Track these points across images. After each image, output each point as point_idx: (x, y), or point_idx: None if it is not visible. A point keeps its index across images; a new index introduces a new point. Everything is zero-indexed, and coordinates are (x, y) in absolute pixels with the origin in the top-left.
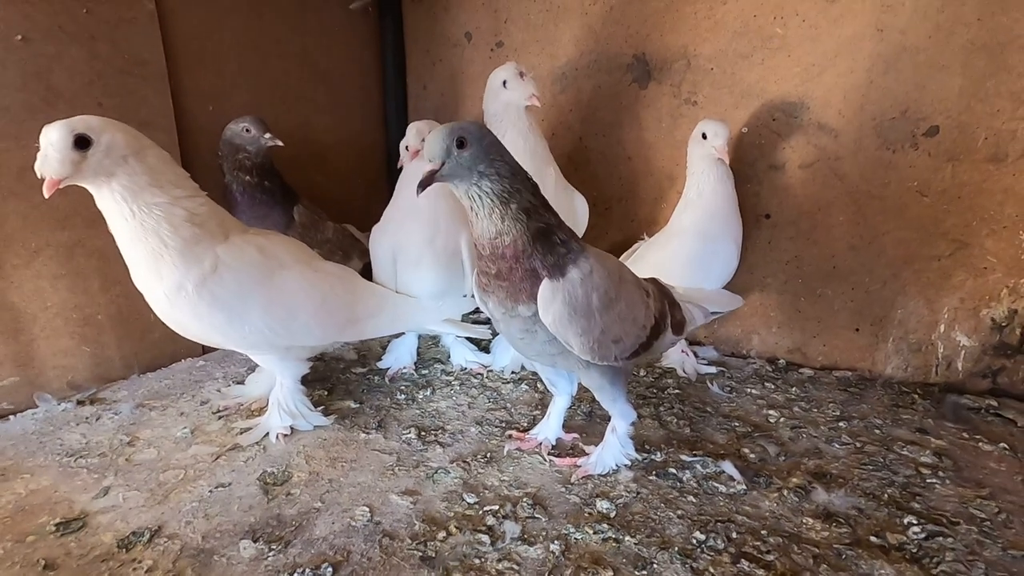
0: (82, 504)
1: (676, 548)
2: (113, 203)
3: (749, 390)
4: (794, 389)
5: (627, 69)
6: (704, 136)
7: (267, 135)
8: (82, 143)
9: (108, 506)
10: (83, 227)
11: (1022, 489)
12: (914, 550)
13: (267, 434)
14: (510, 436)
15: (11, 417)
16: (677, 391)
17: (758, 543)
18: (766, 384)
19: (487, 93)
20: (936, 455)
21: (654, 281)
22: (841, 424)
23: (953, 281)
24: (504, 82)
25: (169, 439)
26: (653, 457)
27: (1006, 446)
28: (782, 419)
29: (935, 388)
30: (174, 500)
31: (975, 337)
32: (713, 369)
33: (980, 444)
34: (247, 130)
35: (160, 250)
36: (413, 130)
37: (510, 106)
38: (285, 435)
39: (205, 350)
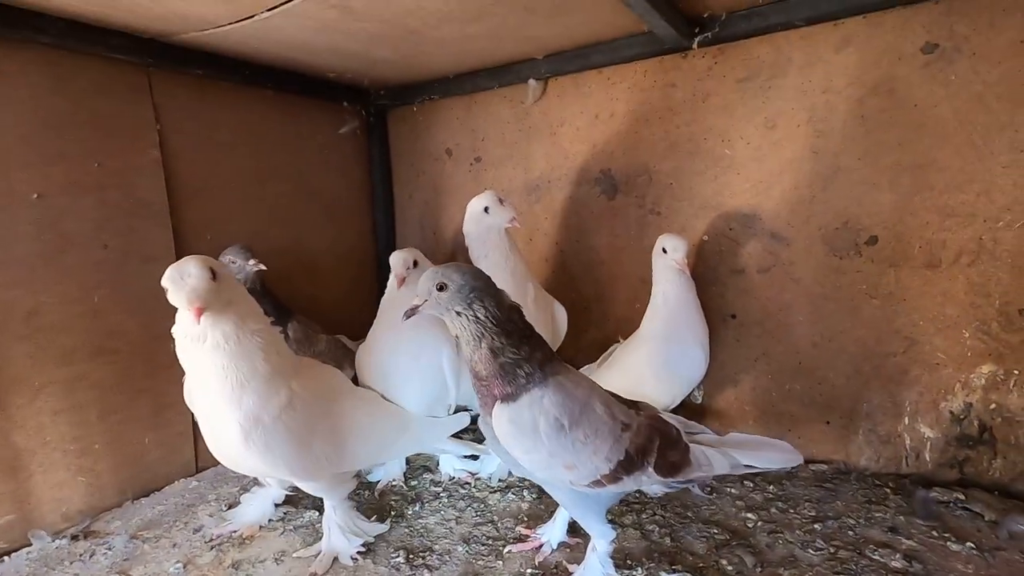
0: None
1: None
2: (227, 327)
3: (729, 490)
4: (771, 487)
5: (595, 182)
6: (664, 250)
7: (251, 261)
8: (213, 275)
9: None
10: (84, 362)
11: None
12: None
13: (336, 558)
14: (509, 552)
15: (5, 558)
16: (660, 496)
17: None
18: (745, 482)
19: (468, 218)
20: (906, 559)
21: (654, 418)
22: (816, 526)
23: (910, 376)
24: (486, 208)
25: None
26: (634, 573)
27: (973, 545)
28: (759, 523)
29: (907, 480)
30: None
31: (937, 429)
32: None
33: (948, 544)
34: (232, 262)
35: (247, 378)
36: (397, 259)
37: (492, 229)
38: (361, 552)
39: (198, 470)
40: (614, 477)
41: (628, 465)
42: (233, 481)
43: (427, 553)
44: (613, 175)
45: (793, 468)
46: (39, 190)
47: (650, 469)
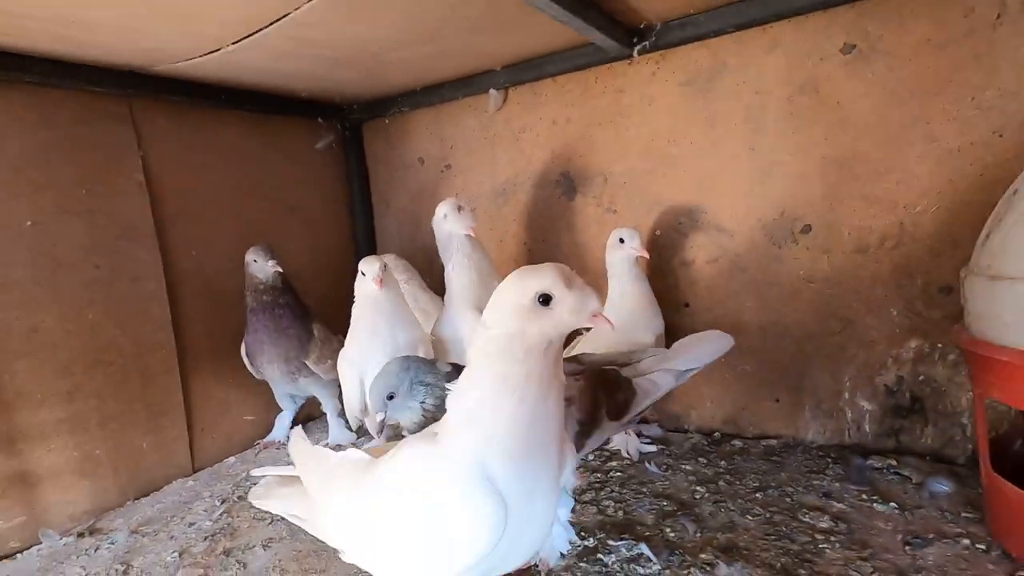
0: None
1: None
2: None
3: (684, 466)
4: (723, 462)
5: (556, 184)
6: (621, 240)
7: (271, 262)
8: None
9: None
10: (82, 374)
11: (899, 547)
12: None
13: None
14: None
15: (18, 555)
16: (619, 473)
17: None
18: (700, 459)
19: (434, 222)
20: (834, 520)
21: (591, 373)
22: (758, 495)
23: (848, 353)
24: (445, 215)
25: (160, 564)
26: (586, 543)
27: (896, 505)
28: (707, 494)
29: (848, 450)
30: None
31: (874, 401)
32: (654, 448)
33: (875, 505)
34: (255, 260)
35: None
36: (365, 264)
37: (453, 235)
38: None
39: (194, 471)
40: (578, 446)
41: (585, 430)
42: (227, 479)
43: None
44: (572, 177)
45: (744, 442)
46: (32, 217)
47: (605, 421)
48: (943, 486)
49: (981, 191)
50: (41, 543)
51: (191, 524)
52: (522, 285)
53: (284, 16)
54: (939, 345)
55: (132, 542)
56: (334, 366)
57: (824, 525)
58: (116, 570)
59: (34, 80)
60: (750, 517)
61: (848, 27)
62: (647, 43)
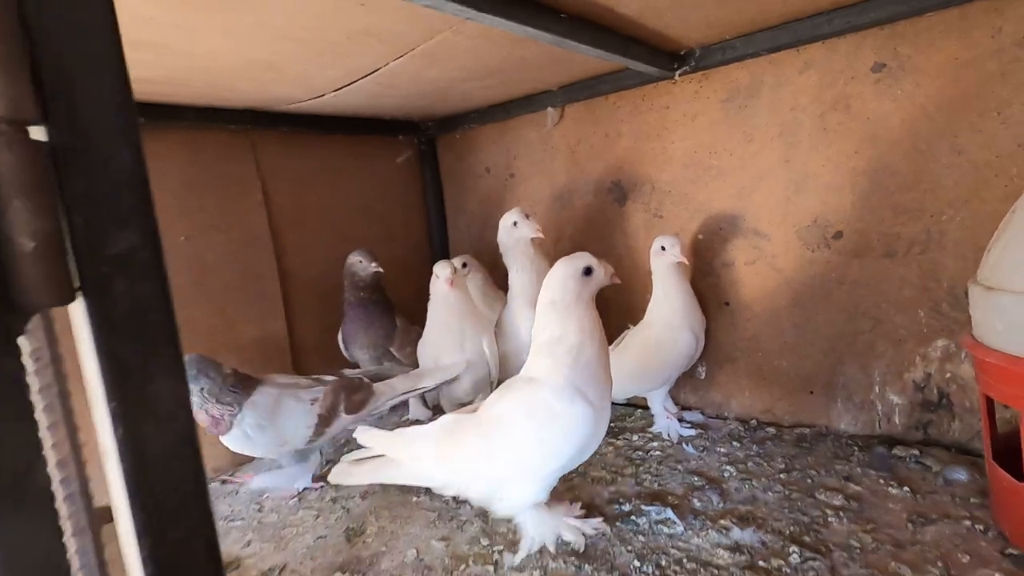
0: (235, 553)
1: (618, 572)
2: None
3: (719, 449)
4: (755, 447)
5: (608, 192)
6: (663, 248)
7: (373, 263)
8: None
9: (251, 553)
10: (221, 358)
11: (903, 524)
12: (788, 570)
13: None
14: None
15: None
16: (659, 453)
17: (678, 567)
18: (734, 443)
19: (501, 230)
20: (847, 499)
21: (340, 381)
22: (782, 476)
23: (877, 351)
24: (515, 223)
25: (284, 505)
26: (623, 508)
27: (909, 489)
28: (735, 473)
29: (877, 441)
30: (291, 548)
31: (904, 396)
32: (693, 432)
33: (890, 489)
34: (360, 260)
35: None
36: (439, 268)
37: (520, 240)
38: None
39: None
40: (319, 432)
41: (324, 421)
42: (327, 443)
43: None
44: (623, 185)
45: (778, 430)
46: (186, 233)
47: (343, 415)
48: (959, 475)
49: (1005, 201)
50: None
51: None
52: (573, 264)
53: (375, 71)
54: None
55: (260, 489)
56: (412, 352)
57: (837, 503)
58: (253, 508)
59: (185, 125)
60: (771, 493)
61: (878, 47)
62: (687, 67)
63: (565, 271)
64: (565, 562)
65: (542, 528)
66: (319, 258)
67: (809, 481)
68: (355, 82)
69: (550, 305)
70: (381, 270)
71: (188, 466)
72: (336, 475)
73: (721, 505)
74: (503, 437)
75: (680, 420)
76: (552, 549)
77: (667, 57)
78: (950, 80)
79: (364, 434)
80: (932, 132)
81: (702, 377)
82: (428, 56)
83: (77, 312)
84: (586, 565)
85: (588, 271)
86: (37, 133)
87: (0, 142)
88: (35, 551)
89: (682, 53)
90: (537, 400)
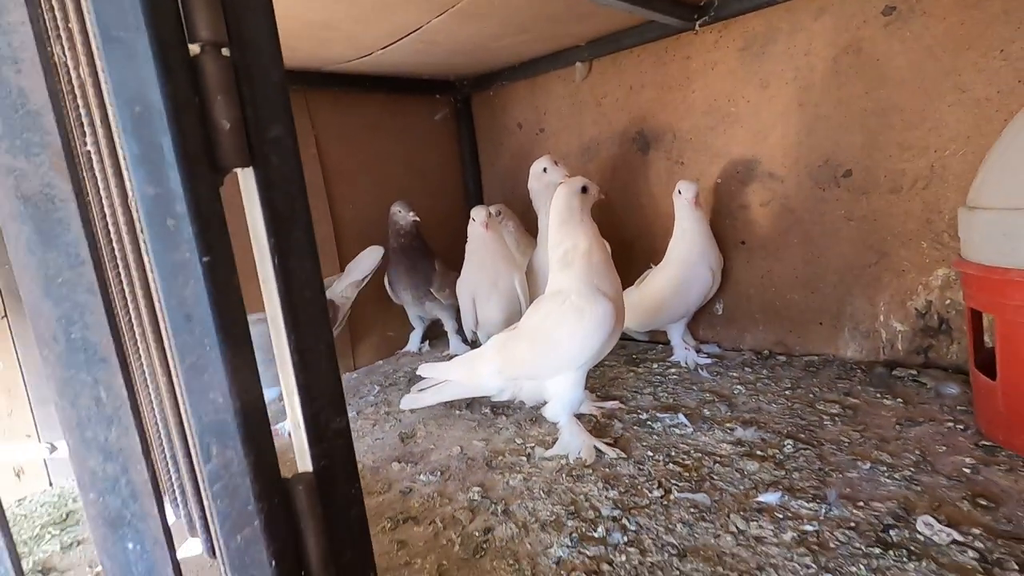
0: None
1: (633, 459)
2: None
3: (732, 374)
4: (766, 372)
5: (632, 142)
6: (679, 192)
7: (410, 213)
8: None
9: None
10: None
11: (891, 426)
12: (780, 458)
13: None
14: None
15: None
16: (676, 376)
17: (685, 456)
18: (746, 369)
19: (531, 177)
20: (843, 408)
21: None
22: (787, 392)
23: (883, 282)
24: (544, 169)
25: None
26: (640, 416)
27: (902, 400)
28: (744, 391)
29: (880, 365)
30: (357, 446)
31: (906, 323)
32: (709, 360)
33: (884, 400)
34: (399, 211)
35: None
36: (476, 212)
37: (550, 185)
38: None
39: (355, 368)
40: None
41: None
42: (379, 374)
43: (506, 408)
44: (646, 135)
45: (789, 358)
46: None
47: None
48: (951, 389)
49: None
50: None
51: (361, 397)
52: (572, 185)
53: (418, 28)
54: None
55: None
56: (451, 294)
57: (834, 411)
58: None
59: None
60: (775, 405)
61: None
62: (707, 17)
63: (568, 191)
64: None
65: (575, 440)
66: (366, 207)
67: (811, 396)
68: (399, 40)
69: (561, 223)
70: (418, 219)
71: (317, 285)
72: (407, 402)
73: (729, 413)
74: (544, 339)
75: (697, 351)
76: (572, 459)
77: (688, 8)
78: (956, 21)
79: (427, 367)
80: (938, 72)
81: (719, 313)
82: (465, 14)
83: (248, 176)
84: (605, 456)
85: (584, 189)
86: (225, 52)
87: (209, 56)
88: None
89: (702, 4)
90: (566, 305)
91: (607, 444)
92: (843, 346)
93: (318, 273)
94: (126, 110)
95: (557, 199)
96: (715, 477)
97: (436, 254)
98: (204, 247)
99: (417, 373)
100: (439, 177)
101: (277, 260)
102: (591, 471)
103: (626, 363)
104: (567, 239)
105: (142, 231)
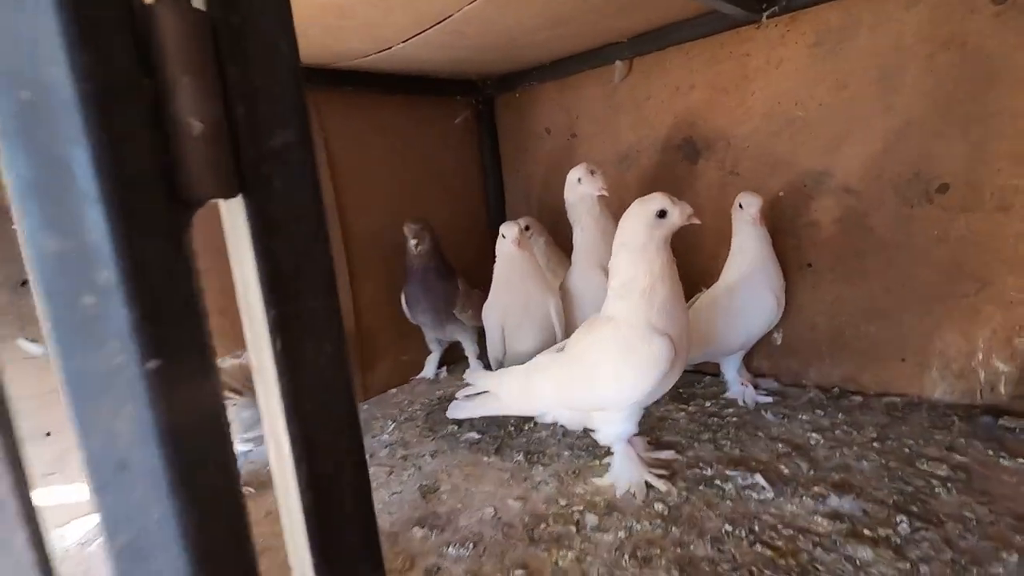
0: None
1: (709, 536)
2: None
3: (800, 416)
4: (841, 415)
5: (678, 149)
6: (740, 206)
7: (414, 240)
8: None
9: None
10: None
11: (1022, 496)
12: (897, 541)
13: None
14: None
15: None
16: (736, 419)
17: (773, 534)
18: (817, 411)
19: (567, 187)
20: (953, 469)
21: None
22: (875, 444)
23: (983, 314)
24: (579, 179)
25: None
26: (704, 472)
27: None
28: (822, 440)
29: (978, 411)
30: None
31: (1012, 363)
32: (770, 399)
33: (1001, 460)
34: (407, 235)
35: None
36: (506, 228)
37: (585, 197)
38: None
39: (366, 398)
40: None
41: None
42: (393, 405)
43: (540, 455)
44: (694, 141)
45: (865, 398)
46: None
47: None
48: None
49: None
50: None
51: (374, 436)
52: (644, 208)
53: (447, 17)
54: None
55: None
56: (475, 315)
57: (942, 473)
58: None
59: None
60: (866, 462)
61: None
62: (776, 7)
63: (636, 214)
64: (651, 523)
65: (626, 472)
66: (380, 217)
67: (906, 451)
68: (424, 31)
69: (621, 247)
70: (415, 251)
71: (342, 384)
72: (452, 410)
73: (812, 472)
74: (586, 372)
75: (755, 387)
76: (619, 493)
77: None
78: None
79: (472, 374)
80: None
81: (778, 343)
82: (500, 2)
83: (235, 209)
84: (673, 527)
85: (662, 214)
86: (198, 3)
87: (168, 6)
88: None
89: None
90: (616, 337)
91: (660, 476)
92: (930, 387)
93: (345, 367)
94: (5, 100)
95: (624, 220)
96: (819, 567)
97: (457, 271)
98: (151, 343)
99: (463, 378)
100: (459, 186)
101: (280, 344)
102: (659, 552)
103: (673, 399)
104: (625, 269)
105: (43, 315)
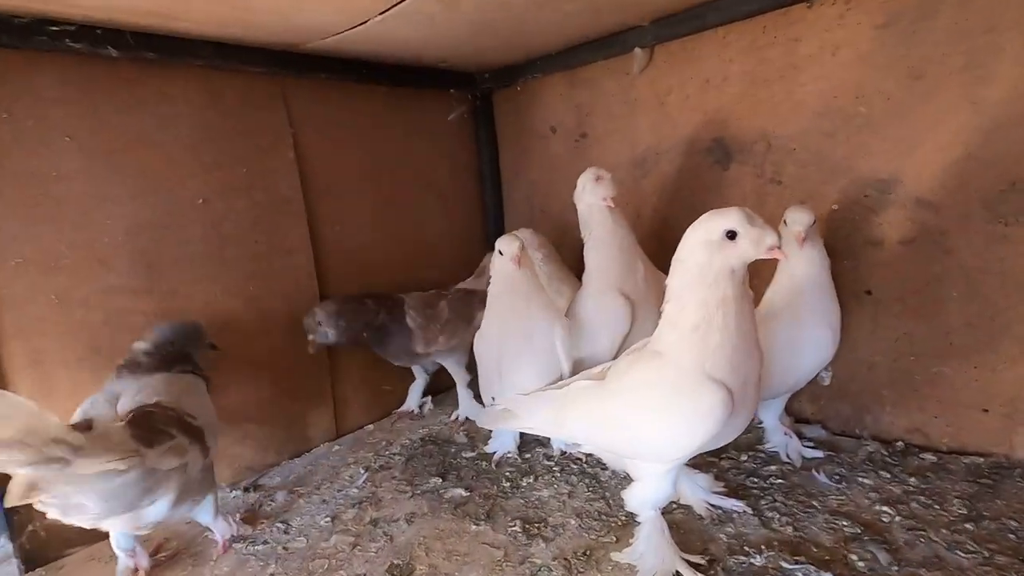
0: None
1: None
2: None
3: (861, 479)
4: (913, 479)
5: (707, 152)
6: (786, 223)
7: (310, 337)
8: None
9: None
10: (244, 344)
11: None
12: None
13: None
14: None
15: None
16: (780, 480)
17: None
18: (880, 473)
19: (576, 194)
20: None
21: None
22: (968, 526)
23: None
24: (584, 187)
25: (315, 528)
26: (753, 561)
27: None
28: (898, 518)
29: None
30: None
31: None
32: (820, 453)
33: None
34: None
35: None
36: (503, 243)
37: (592, 206)
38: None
39: (338, 435)
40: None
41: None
42: (368, 447)
43: (541, 524)
44: (727, 143)
45: (938, 457)
46: (203, 195)
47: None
48: None
49: None
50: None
51: (339, 490)
52: (711, 223)
53: None
54: None
55: (290, 501)
56: (447, 338)
57: None
58: (278, 528)
59: (202, 63)
60: (961, 554)
61: None
62: None
63: (699, 227)
64: None
65: (651, 555)
66: (359, 227)
67: (1012, 537)
68: None
69: (677, 263)
70: (311, 350)
71: None
72: (483, 418)
73: (894, 567)
74: (623, 416)
75: (800, 436)
76: None
77: None
78: None
79: (496, 405)
80: None
81: (826, 383)
82: None
83: None
84: None
85: (731, 235)
86: None
87: None
88: None
89: None
90: (662, 379)
91: (694, 567)
92: (1021, 445)
93: None
94: None
95: (684, 241)
96: None
97: (403, 300)
98: None
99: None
100: (451, 190)
101: None
102: None
103: None
104: (675, 297)
105: None
